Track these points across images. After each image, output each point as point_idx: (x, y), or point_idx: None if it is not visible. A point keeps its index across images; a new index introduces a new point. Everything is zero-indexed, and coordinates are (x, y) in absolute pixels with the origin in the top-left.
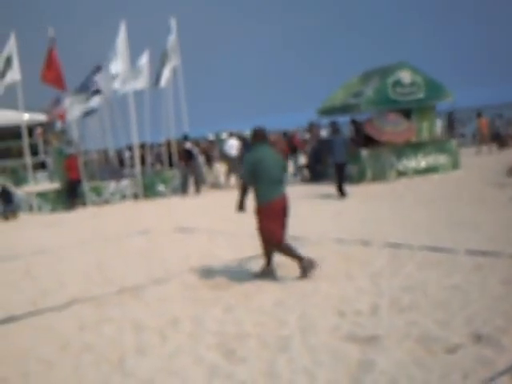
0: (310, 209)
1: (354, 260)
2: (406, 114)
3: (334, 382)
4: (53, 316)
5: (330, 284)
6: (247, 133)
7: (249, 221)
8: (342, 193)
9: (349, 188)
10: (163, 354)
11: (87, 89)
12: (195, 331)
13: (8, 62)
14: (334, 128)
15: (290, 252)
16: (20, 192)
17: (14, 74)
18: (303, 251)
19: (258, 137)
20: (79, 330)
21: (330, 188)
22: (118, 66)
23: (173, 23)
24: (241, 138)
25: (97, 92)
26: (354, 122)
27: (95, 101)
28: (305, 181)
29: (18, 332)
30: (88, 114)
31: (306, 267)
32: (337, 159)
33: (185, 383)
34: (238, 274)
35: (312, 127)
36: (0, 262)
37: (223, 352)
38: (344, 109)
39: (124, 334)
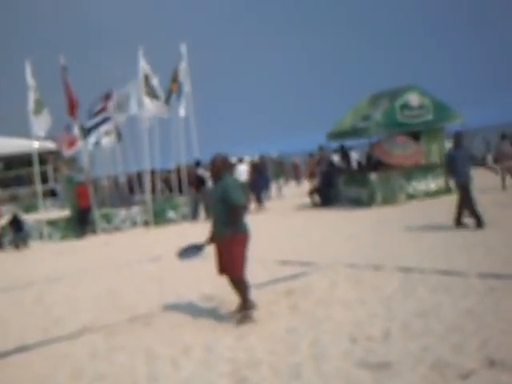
0: (320, 233)
1: (365, 284)
2: (415, 136)
3: None
4: (65, 344)
5: (342, 309)
6: (255, 157)
7: (260, 247)
8: (477, 220)
9: (359, 212)
10: (176, 382)
11: (95, 119)
12: (207, 359)
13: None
14: (457, 140)
15: (246, 291)
16: (30, 220)
17: (29, 103)
18: (314, 277)
19: (226, 166)
20: (92, 359)
21: (341, 212)
22: (135, 91)
23: (183, 49)
24: (251, 163)
25: (106, 120)
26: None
27: (105, 140)
28: (316, 205)
29: (32, 361)
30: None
31: (245, 316)
32: (460, 178)
33: None
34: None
35: (321, 151)
36: (12, 290)
37: (235, 380)
38: (353, 132)
39: (136, 362)
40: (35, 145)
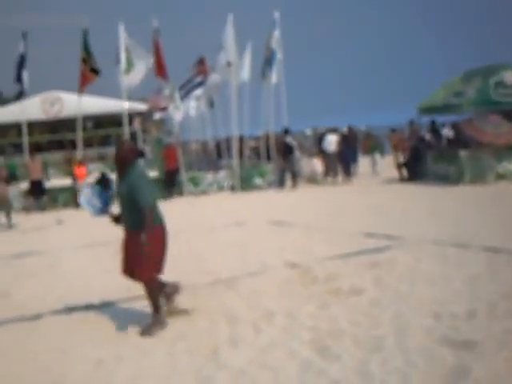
0: (405, 208)
1: (451, 262)
2: (509, 116)
3: None
4: (147, 303)
5: (426, 285)
6: (344, 129)
7: (346, 218)
8: None
9: (446, 189)
10: (256, 346)
11: (190, 86)
12: (289, 326)
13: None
14: None
15: (157, 295)
16: None
17: (121, 63)
18: (399, 252)
19: (133, 155)
20: (173, 319)
21: (428, 188)
22: (224, 57)
23: (277, 17)
24: (340, 133)
25: (200, 84)
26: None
27: (193, 106)
28: (403, 180)
29: (114, 316)
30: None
31: (154, 323)
32: None
33: (277, 377)
34: (333, 270)
35: (412, 126)
36: (98, 247)
37: (317, 348)
38: (445, 108)
39: (218, 325)
40: (125, 105)
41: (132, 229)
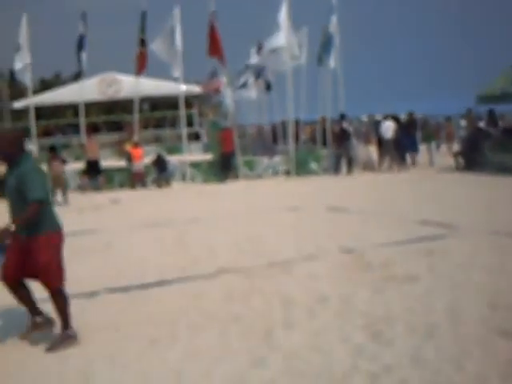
0: (461, 196)
1: (506, 253)
2: None
3: (482, 376)
4: (202, 284)
5: (482, 275)
6: (404, 116)
7: (401, 205)
8: None
9: (504, 180)
10: (310, 329)
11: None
12: (343, 310)
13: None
14: None
15: (66, 305)
16: (174, 161)
17: (177, 48)
18: (455, 240)
19: (18, 145)
20: (227, 300)
21: (485, 178)
22: (279, 41)
23: (335, 1)
24: (397, 120)
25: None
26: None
27: (252, 90)
28: (460, 169)
29: (169, 296)
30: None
31: (65, 338)
32: None
33: (329, 360)
34: (388, 256)
35: (469, 114)
36: (154, 228)
37: (370, 333)
38: (503, 97)
39: (272, 306)
40: (182, 88)
41: (26, 234)
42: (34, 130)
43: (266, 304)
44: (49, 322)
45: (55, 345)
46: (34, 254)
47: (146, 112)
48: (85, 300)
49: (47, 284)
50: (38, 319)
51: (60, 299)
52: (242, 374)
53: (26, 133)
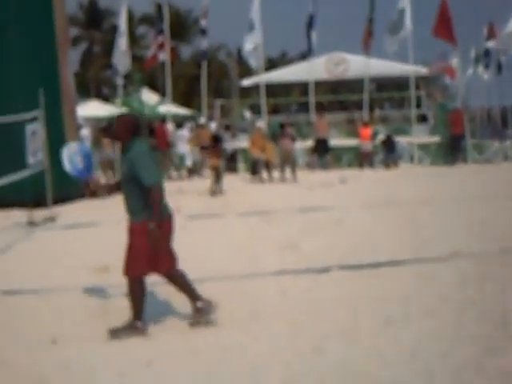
0: None
1: None
2: None
3: None
4: (434, 266)
5: None
6: None
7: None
8: None
9: None
10: None
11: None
12: None
13: (401, 15)
14: None
15: (136, 298)
16: (403, 142)
17: (407, 29)
18: None
19: (132, 130)
20: (460, 284)
21: None
22: None
23: None
24: None
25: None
26: None
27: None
28: None
29: (401, 276)
30: None
31: (129, 327)
32: None
33: None
34: None
35: None
36: (382, 207)
37: None
38: None
39: (507, 292)
40: (411, 69)
41: (132, 220)
42: (264, 107)
43: (500, 290)
44: (210, 305)
45: (117, 329)
46: (130, 239)
47: (373, 92)
48: (316, 275)
49: (124, 269)
50: (199, 304)
51: (131, 289)
52: (477, 361)
53: (139, 120)
